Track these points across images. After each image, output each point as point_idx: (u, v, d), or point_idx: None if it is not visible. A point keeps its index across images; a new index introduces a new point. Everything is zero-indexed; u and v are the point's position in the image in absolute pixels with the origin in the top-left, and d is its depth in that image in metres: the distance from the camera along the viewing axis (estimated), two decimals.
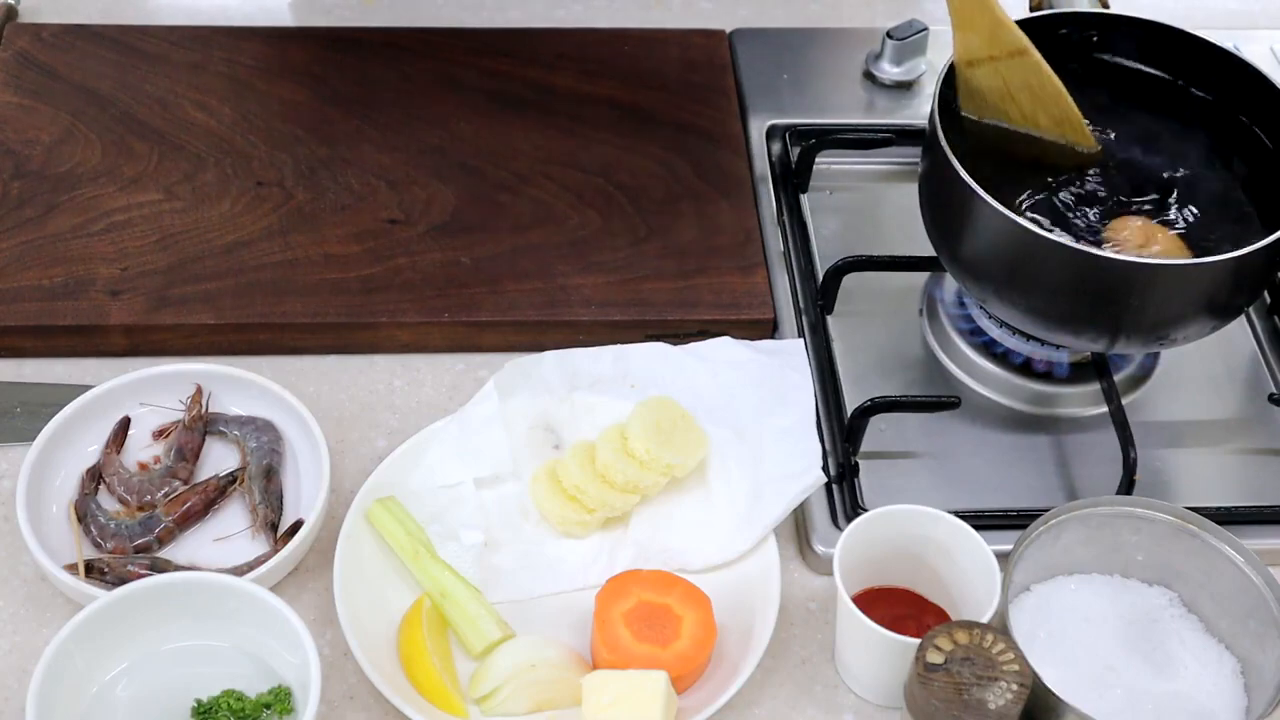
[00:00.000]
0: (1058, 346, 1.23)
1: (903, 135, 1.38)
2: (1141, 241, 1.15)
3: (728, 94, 1.45)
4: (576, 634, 1.09)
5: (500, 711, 1.04)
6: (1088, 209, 1.18)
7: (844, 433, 1.18)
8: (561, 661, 1.06)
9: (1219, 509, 1.13)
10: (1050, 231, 1.12)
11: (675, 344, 1.23)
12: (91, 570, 1.09)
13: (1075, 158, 1.21)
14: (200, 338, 1.24)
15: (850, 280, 1.28)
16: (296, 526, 1.12)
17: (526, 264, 1.29)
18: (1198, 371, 1.28)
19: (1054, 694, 0.97)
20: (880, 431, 1.20)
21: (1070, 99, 1.19)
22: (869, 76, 1.48)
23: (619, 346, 1.22)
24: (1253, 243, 1.10)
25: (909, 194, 1.26)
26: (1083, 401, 1.24)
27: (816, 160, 1.37)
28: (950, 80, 1.20)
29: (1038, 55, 1.18)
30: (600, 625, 1.06)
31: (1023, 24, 1.19)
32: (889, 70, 1.47)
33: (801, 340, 1.25)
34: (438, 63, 1.45)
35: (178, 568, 1.10)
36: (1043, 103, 1.20)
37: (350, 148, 1.37)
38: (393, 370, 1.26)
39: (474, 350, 1.27)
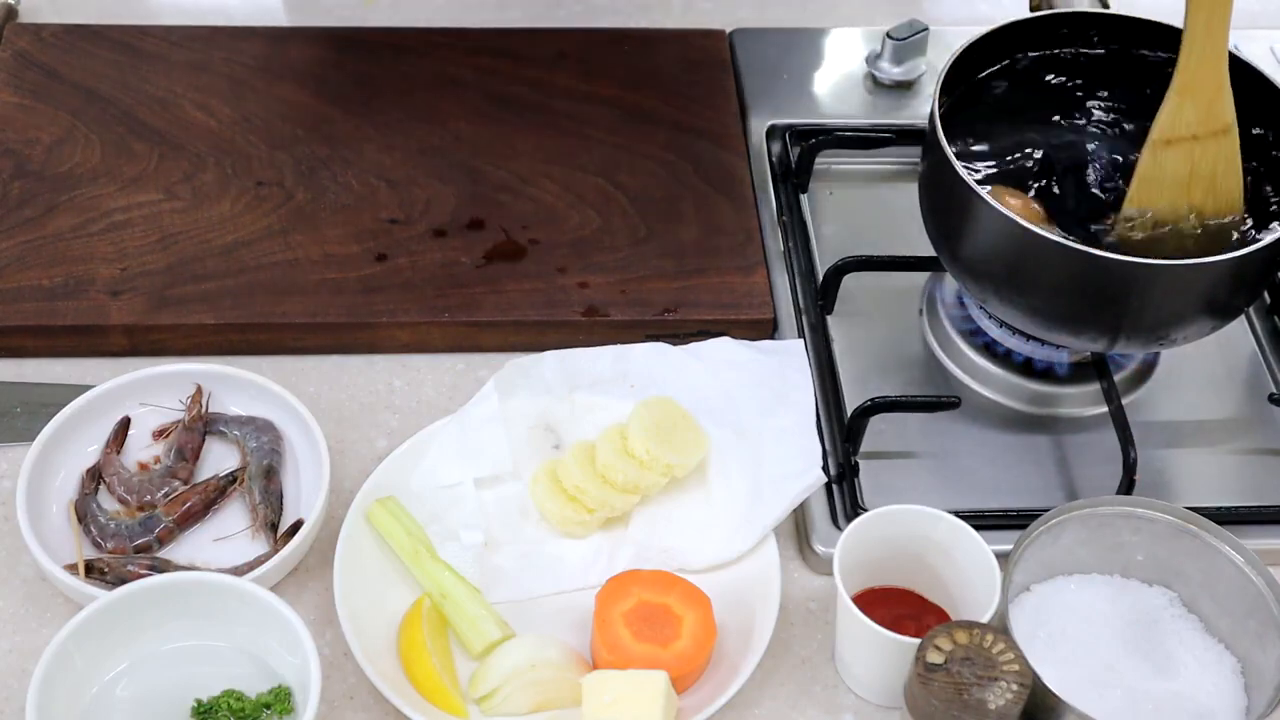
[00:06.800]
0: (1058, 346, 1.23)
1: (903, 135, 1.38)
2: None
3: (728, 94, 1.45)
4: (576, 634, 1.09)
5: (500, 711, 1.04)
6: (1085, 207, 1.18)
7: (844, 433, 1.18)
8: (561, 661, 1.06)
9: (1219, 509, 1.13)
10: (1051, 231, 1.12)
11: (675, 344, 1.23)
12: (91, 570, 1.09)
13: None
14: (200, 338, 1.24)
15: (850, 280, 1.28)
16: (296, 526, 1.12)
17: (526, 264, 1.29)
18: (1198, 371, 1.28)
19: (1054, 694, 0.97)
20: (880, 431, 1.20)
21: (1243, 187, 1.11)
22: (869, 76, 1.48)
23: (619, 346, 1.22)
24: (1252, 243, 1.10)
25: (909, 194, 1.26)
26: (1083, 401, 1.24)
27: (816, 160, 1.37)
28: (951, 81, 1.20)
29: (1236, 135, 1.10)
30: (600, 625, 1.06)
31: (1023, 24, 1.19)
32: (889, 70, 1.47)
33: (801, 340, 1.25)
34: (438, 63, 1.45)
35: (178, 568, 1.10)
36: (1216, 194, 1.12)
37: (350, 148, 1.37)
38: (393, 370, 1.26)
39: (474, 350, 1.27)
